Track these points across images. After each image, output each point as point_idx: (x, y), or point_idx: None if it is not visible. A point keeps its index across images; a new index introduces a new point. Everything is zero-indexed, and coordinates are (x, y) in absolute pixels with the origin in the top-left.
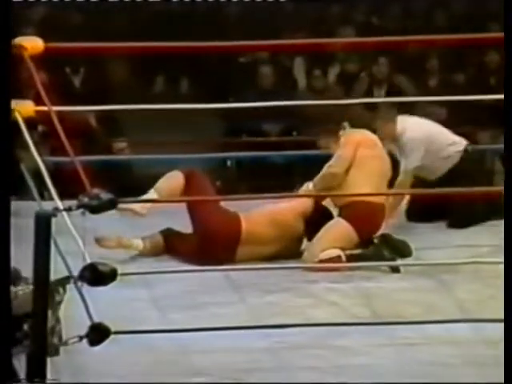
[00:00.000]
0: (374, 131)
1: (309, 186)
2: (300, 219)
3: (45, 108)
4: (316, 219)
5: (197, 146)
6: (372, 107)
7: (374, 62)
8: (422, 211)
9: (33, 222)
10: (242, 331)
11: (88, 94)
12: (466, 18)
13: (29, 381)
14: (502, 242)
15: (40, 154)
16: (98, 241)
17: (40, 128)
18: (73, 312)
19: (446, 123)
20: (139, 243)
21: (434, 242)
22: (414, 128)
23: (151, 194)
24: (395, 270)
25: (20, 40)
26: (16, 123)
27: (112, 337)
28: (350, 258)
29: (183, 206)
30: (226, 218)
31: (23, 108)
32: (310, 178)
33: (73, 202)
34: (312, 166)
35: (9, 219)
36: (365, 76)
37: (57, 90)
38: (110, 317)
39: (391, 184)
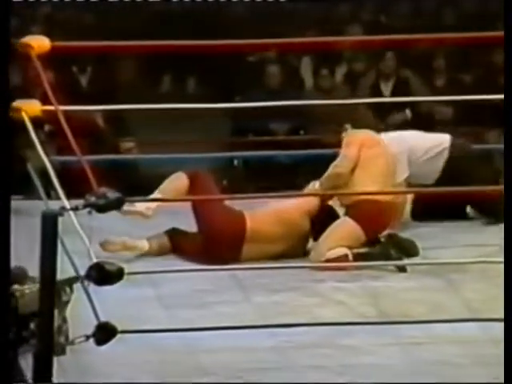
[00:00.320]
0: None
1: (315, 185)
2: (306, 218)
3: (51, 107)
4: (322, 218)
5: (204, 146)
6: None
7: (381, 61)
8: (427, 210)
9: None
10: (249, 330)
11: (95, 93)
12: (475, 17)
13: (35, 380)
14: None
15: (47, 154)
16: (103, 245)
17: (47, 127)
18: (80, 311)
19: (452, 122)
20: (144, 244)
21: (441, 242)
22: (395, 143)
23: (155, 196)
24: (402, 269)
25: (27, 39)
26: (23, 123)
27: (118, 336)
28: (357, 257)
29: (187, 206)
30: (230, 216)
31: (30, 107)
32: (317, 178)
33: (80, 202)
34: (319, 166)
35: (9, 219)
36: (371, 74)
37: (64, 89)
38: (116, 316)
39: None
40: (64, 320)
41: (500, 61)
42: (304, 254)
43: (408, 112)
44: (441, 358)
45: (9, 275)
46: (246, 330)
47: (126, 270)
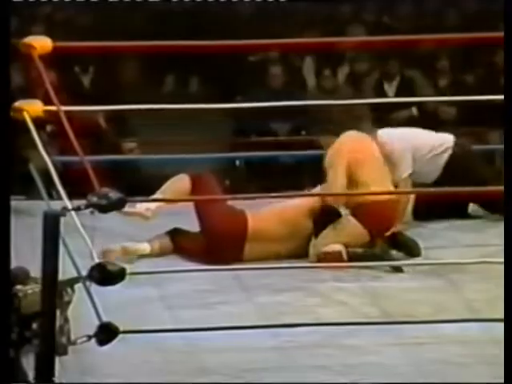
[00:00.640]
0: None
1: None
2: (308, 218)
3: (53, 108)
4: (324, 218)
5: (206, 146)
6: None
7: (383, 62)
8: (428, 210)
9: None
10: (251, 330)
11: (97, 93)
12: (478, 17)
13: (37, 380)
14: None
15: (49, 154)
16: (103, 254)
17: (49, 128)
18: (82, 311)
19: (455, 123)
20: (146, 247)
21: (442, 241)
22: (398, 139)
23: (157, 197)
24: (398, 269)
25: (29, 39)
26: (25, 123)
27: (120, 336)
28: (353, 257)
29: (189, 208)
30: (232, 215)
31: (32, 108)
32: (319, 178)
33: (82, 202)
34: (321, 166)
35: (9, 219)
36: (374, 75)
37: (66, 89)
38: (118, 316)
39: None
40: (66, 320)
41: (503, 61)
42: (306, 254)
43: (414, 109)
44: (443, 358)
45: (9, 276)
46: (249, 330)
47: (128, 271)
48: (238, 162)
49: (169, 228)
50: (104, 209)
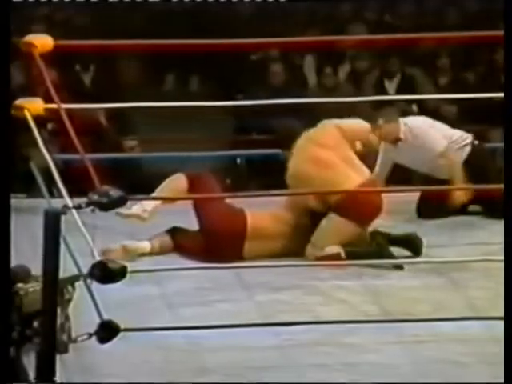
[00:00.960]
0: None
1: None
2: (307, 216)
3: (54, 106)
4: (322, 216)
5: (207, 144)
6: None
7: (384, 60)
8: (433, 208)
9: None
10: (251, 329)
11: (98, 91)
12: (479, 16)
13: (38, 378)
14: None
15: (49, 152)
16: (103, 253)
17: (50, 126)
18: (83, 309)
19: (456, 121)
20: (146, 245)
21: (445, 239)
22: (423, 122)
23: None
24: (398, 266)
25: (29, 38)
26: (26, 121)
27: (121, 334)
28: (351, 256)
29: (187, 207)
30: (231, 214)
31: (33, 106)
32: None
33: (82, 200)
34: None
35: (9, 218)
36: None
37: (66, 87)
38: (118, 314)
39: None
40: (67, 318)
41: (503, 59)
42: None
43: (414, 107)
44: (444, 357)
45: (10, 274)
46: (249, 329)
47: (129, 269)
48: (238, 160)
49: (169, 227)
50: (105, 207)
